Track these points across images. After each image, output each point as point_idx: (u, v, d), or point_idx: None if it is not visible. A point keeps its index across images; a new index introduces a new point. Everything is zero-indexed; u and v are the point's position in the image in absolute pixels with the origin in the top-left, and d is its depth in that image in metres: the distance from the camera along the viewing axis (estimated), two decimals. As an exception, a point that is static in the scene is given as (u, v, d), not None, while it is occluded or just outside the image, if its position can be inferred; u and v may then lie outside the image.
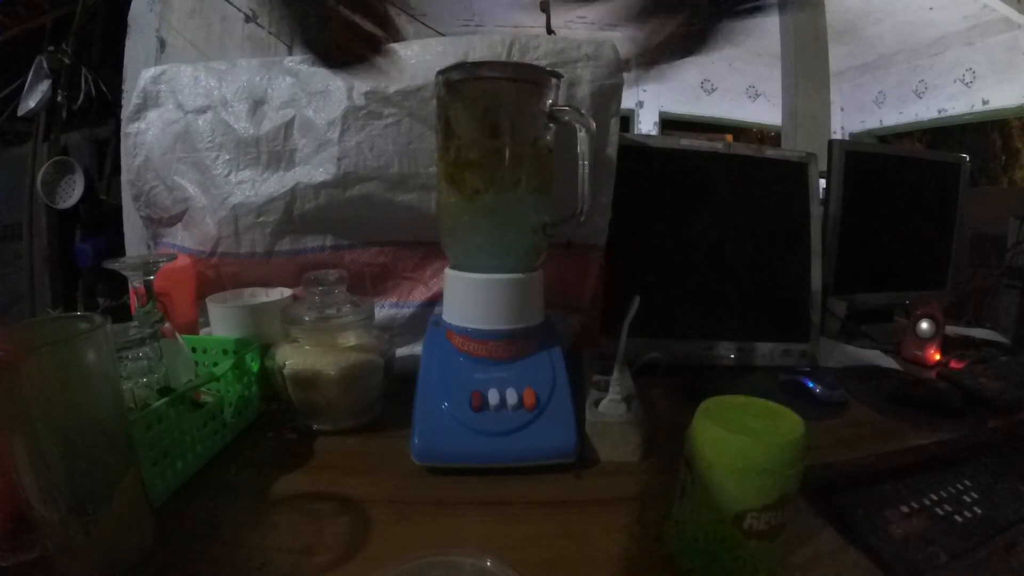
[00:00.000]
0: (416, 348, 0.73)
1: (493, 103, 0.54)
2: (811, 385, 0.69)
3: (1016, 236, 1.07)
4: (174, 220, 0.77)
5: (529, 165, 0.54)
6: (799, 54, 2.89)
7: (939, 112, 4.87)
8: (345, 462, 0.54)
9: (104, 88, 1.85)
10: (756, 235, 0.84)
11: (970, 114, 4.61)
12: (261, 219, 0.70)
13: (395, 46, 0.71)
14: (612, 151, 0.72)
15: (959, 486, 0.50)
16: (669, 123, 5.66)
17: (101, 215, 1.84)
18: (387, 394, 0.63)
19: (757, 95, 5.75)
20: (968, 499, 0.49)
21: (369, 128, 0.67)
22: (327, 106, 0.68)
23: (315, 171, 0.68)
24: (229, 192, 0.71)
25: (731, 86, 5.71)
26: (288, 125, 0.70)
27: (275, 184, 0.70)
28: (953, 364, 0.81)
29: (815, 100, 2.90)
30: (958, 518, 0.46)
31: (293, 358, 0.58)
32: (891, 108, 5.30)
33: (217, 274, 0.75)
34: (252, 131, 0.70)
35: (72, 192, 1.81)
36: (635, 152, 0.78)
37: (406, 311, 0.74)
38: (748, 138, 5.77)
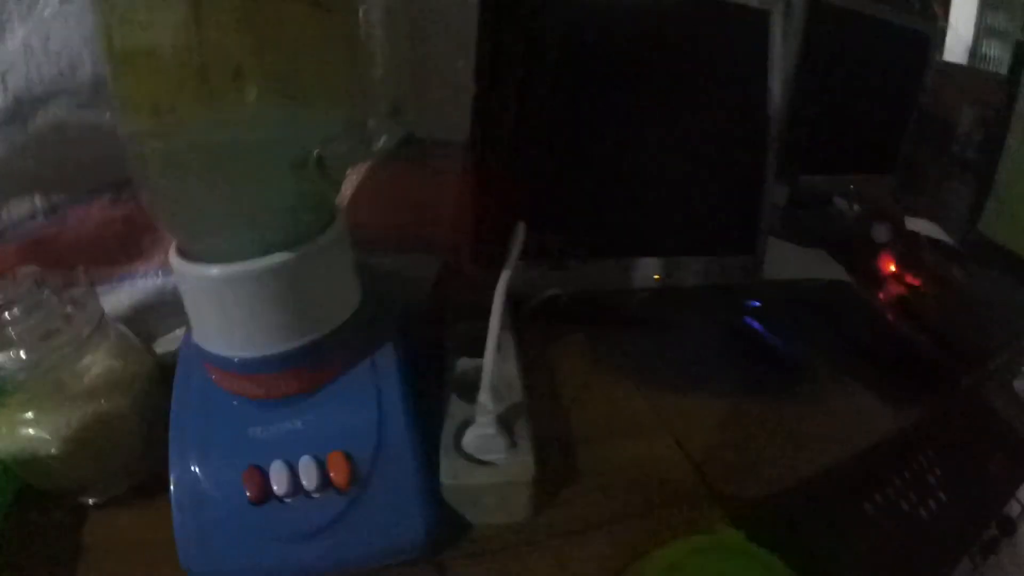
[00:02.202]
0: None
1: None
2: (765, 334, 0.55)
3: (969, 125, 0.94)
4: None
5: (276, 46, 0.26)
6: None
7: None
8: (118, 549, 0.36)
9: None
10: (689, 112, 0.62)
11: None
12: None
13: None
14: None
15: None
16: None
17: None
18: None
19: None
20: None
21: (38, 10, 0.36)
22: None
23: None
24: None
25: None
26: None
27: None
28: (909, 279, 0.69)
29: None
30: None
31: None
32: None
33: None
34: None
35: None
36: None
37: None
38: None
